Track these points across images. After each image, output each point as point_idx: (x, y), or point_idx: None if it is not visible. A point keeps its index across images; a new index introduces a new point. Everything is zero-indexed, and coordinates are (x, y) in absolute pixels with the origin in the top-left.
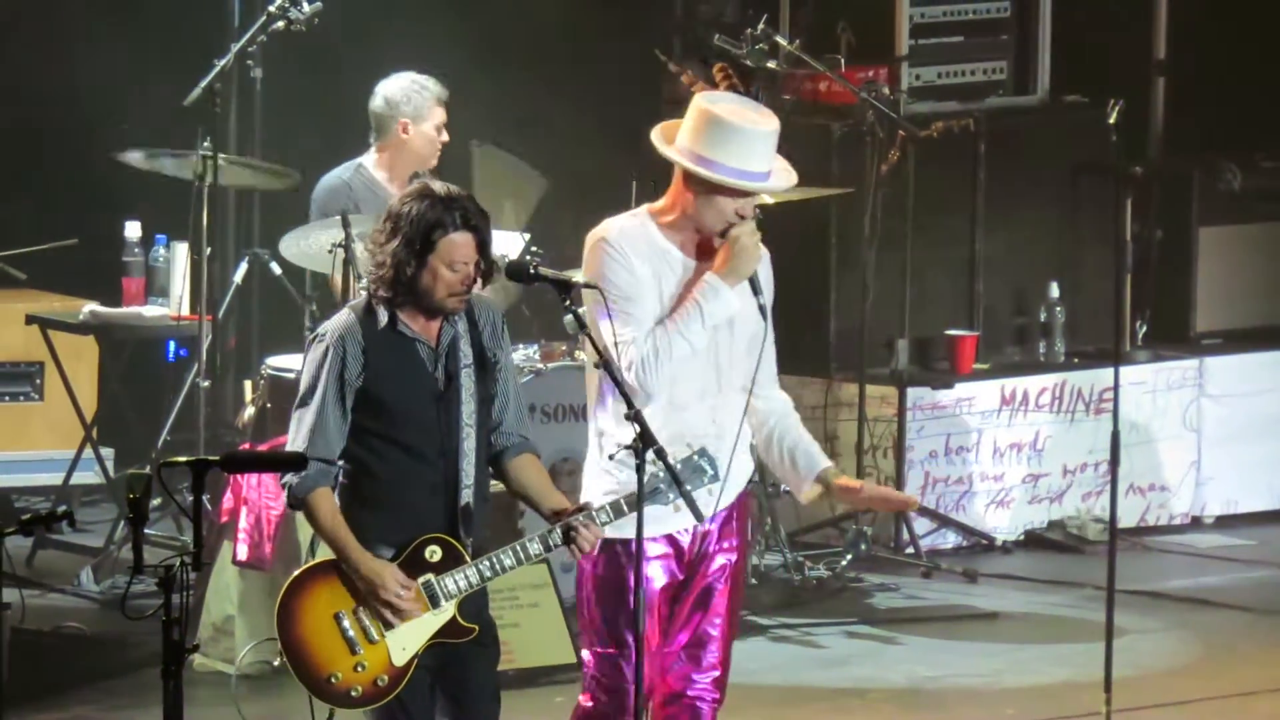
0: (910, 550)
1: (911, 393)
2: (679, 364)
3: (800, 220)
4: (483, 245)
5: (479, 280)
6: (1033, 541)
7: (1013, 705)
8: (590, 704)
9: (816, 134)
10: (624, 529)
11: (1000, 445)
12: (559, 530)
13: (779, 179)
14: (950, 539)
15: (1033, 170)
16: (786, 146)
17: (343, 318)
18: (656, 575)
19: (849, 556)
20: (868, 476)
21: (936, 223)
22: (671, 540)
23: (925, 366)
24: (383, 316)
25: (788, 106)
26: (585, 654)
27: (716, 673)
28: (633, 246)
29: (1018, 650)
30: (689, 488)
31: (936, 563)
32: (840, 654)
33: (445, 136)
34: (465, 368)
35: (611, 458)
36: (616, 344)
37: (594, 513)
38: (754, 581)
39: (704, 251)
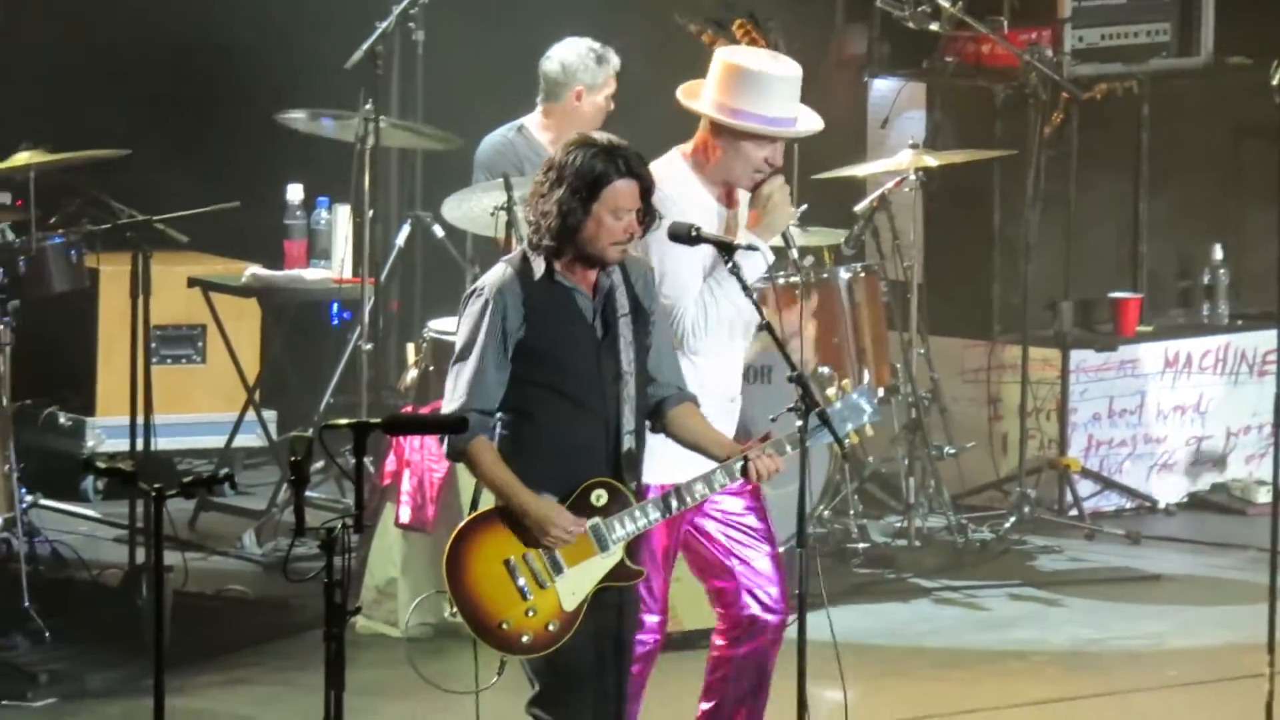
0: (1073, 512)
1: (1075, 355)
2: (724, 324)
3: (964, 183)
4: (645, 193)
5: (641, 229)
6: (1196, 504)
7: (1175, 667)
8: None
9: (979, 97)
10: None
11: (1164, 407)
12: (738, 461)
13: (804, 124)
14: (1113, 501)
15: (1196, 132)
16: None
17: (499, 271)
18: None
19: (1012, 519)
20: (1031, 438)
21: (1099, 185)
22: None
23: (1088, 329)
24: (539, 268)
25: (951, 69)
26: None
27: (777, 575)
28: (686, 202)
29: (1180, 613)
30: (850, 426)
31: (1100, 525)
32: (1003, 616)
33: (612, 106)
34: (623, 316)
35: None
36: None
37: (776, 443)
38: (917, 544)
39: (731, 200)
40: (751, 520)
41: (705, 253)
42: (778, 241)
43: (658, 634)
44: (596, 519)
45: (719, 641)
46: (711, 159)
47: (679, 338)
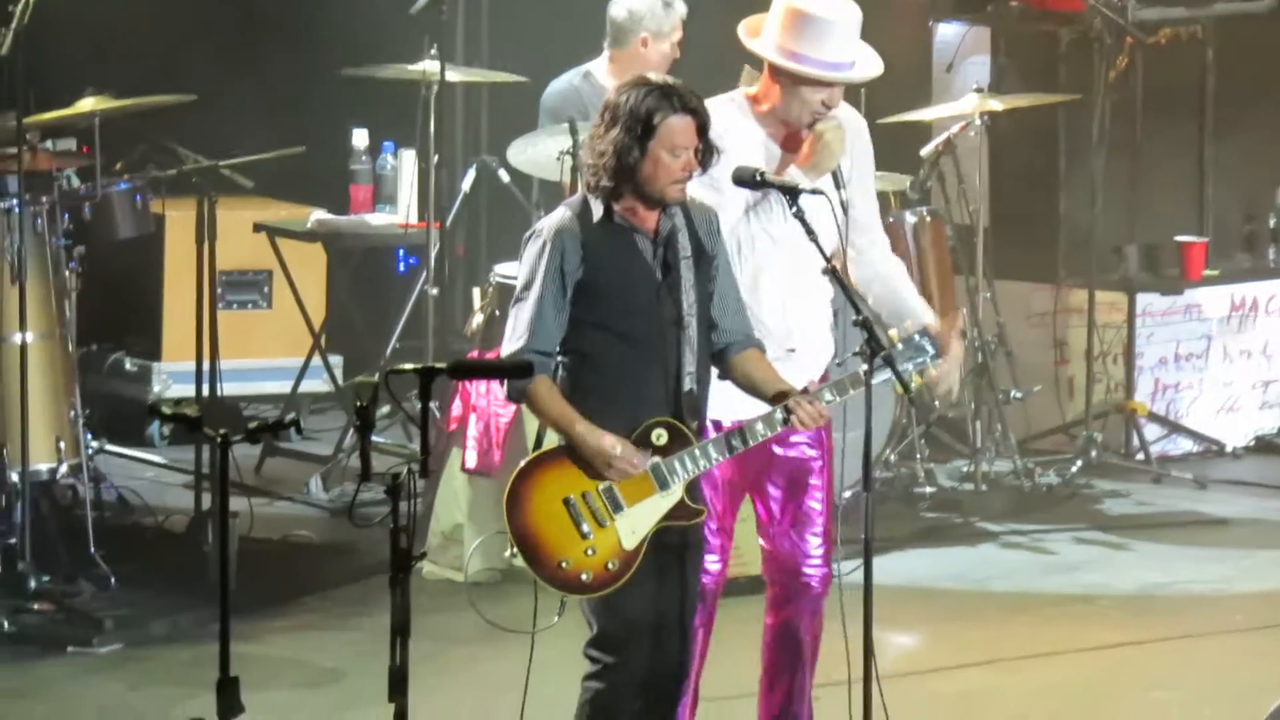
0: (1140, 456)
1: (1141, 299)
2: (760, 257)
3: (1028, 127)
4: (702, 129)
5: (700, 166)
6: (1263, 447)
7: (1242, 612)
8: None
9: (1044, 41)
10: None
11: (1230, 351)
12: (780, 410)
13: (863, 68)
14: (1180, 445)
15: (1262, 76)
16: (1015, 54)
17: (558, 213)
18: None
19: (1079, 463)
20: (1098, 383)
21: (1165, 129)
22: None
23: (1154, 273)
24: (598, 210)
25: (1015, 13)
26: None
27: (823, 548)
28: (733, 136)
29: (1248, 557)
30: (909, 365)
31: (1167, 469)
32: (1070, 560)
33: (679, 54)
34: (684, 259)
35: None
36: None
37: (818, 392)
38: (984, 488)
39: (791, 143)
40: (801, 479)
41: (744, 191)
42: (829, 181)
43: (719, 560)
44: (656, 458)
45: (767, 604)
46: (770, 100)
47: None
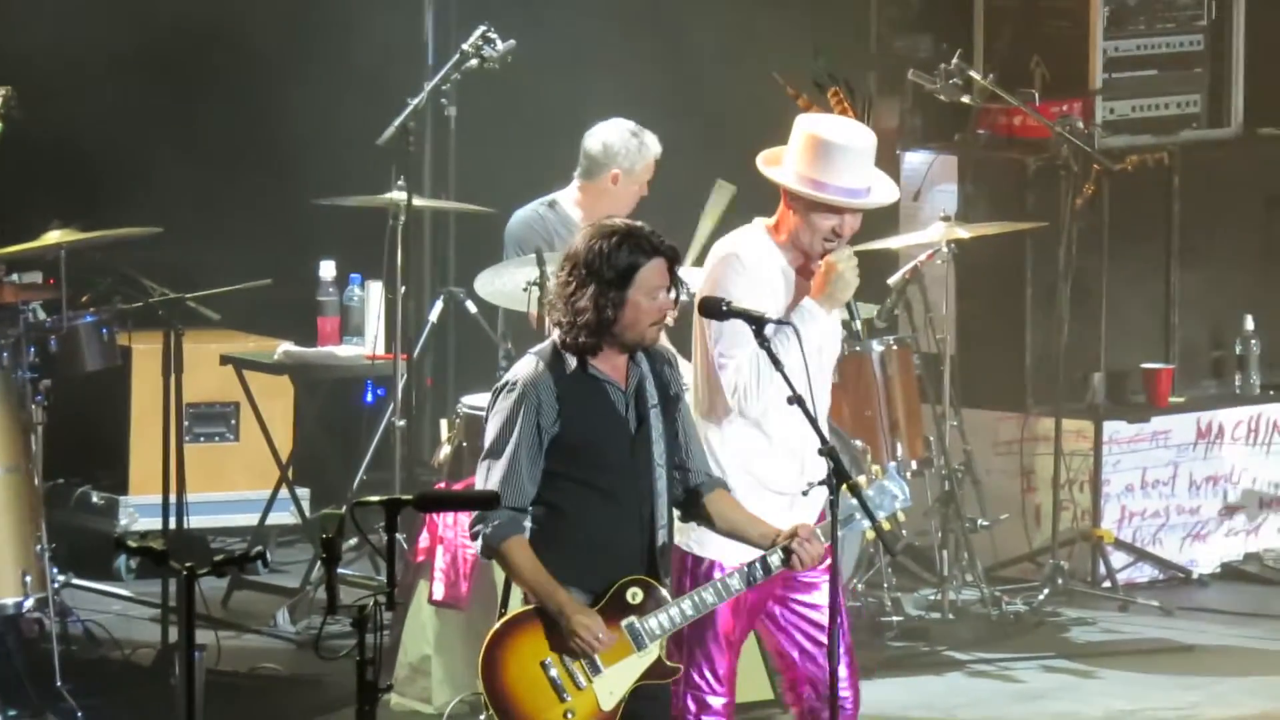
0: (1107, 584)
1: (1107, 426)
2: (777, 388)
3: (995, 254)
4: (672, 267)
5: (674, 304)
6: (1229, 574)
7: None
8: None
9: (1011, 168)
10: (714, 551)
11: (1196, 478)
12: (779, 552)
13: (878, 194)
14: (1147, 572)
15: (1228, 203)
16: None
17: (530, 365)
18: (741, 600)
19: (1046, 591)
20: (1065, 510)
21: (1131, 256)
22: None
23: (1121, 400)
24: (571, 362)
25: (982, 141)
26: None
27: (844, 684)
28: (760, 269)
29: (1215, 683)
30: (883, 513)
31: (1133, 596)
32: (1038, 688)
33: (647, 192)
34: (653, 407)
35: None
36: (720, 363)
37: (816, 531)
38: (951, 616)
39: (806, 271)
40: (818, 613)
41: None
42: (842, 313)
43: (725, 716)
44: (632, 618)
45: None
46: (787, 228)
47: (729, 399)
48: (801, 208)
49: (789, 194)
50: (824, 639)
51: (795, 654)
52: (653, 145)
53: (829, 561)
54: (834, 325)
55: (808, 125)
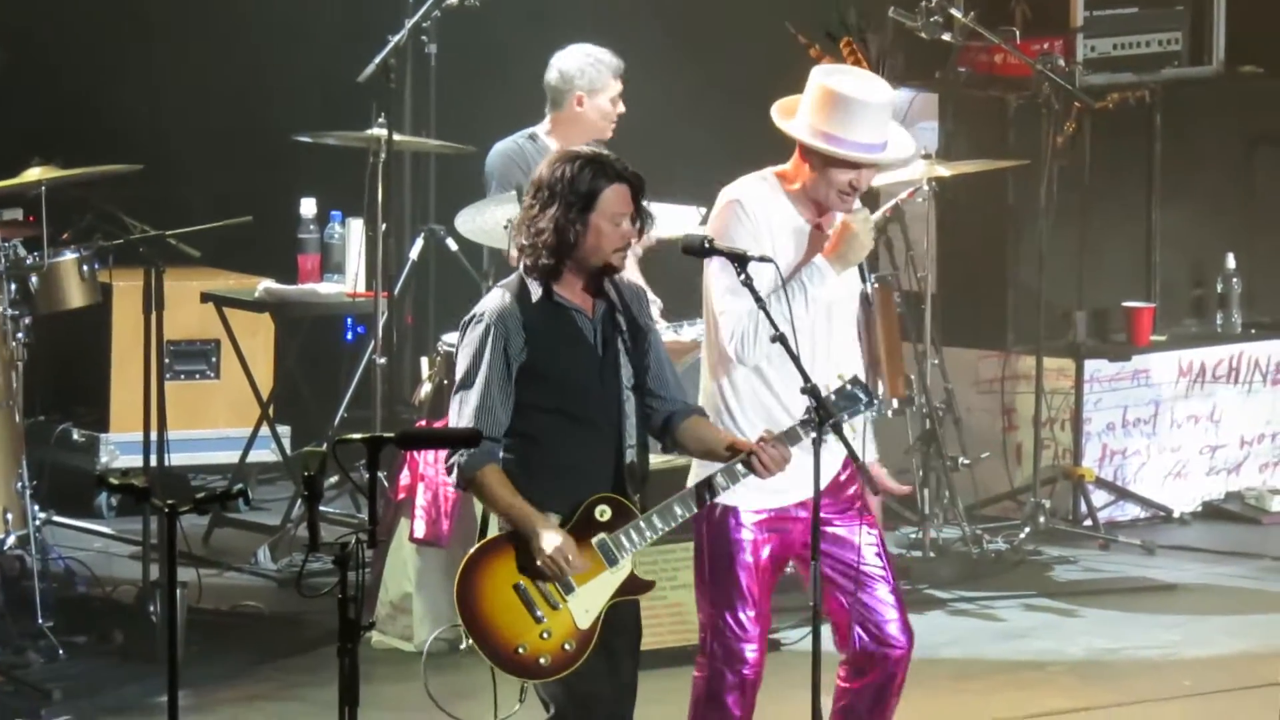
0: (1088, 523)
1: (1089, 365)
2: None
3: (976, 193)
4: (636, 194)
5: (637, 232)
6: (1210, 513)
7: (1190, 676)
8: (702, 675)
9: (992, 107)
10: (732, 498)
11: (1177, 417)
12: (739, 462)
13: (894, 150)
14: (1128, 511)
15: (1209, 141)
16: (963, 120)
17: (497, 297)
18: (762, 546)
19: (1027, 529)
20: (1046, 449)
21: (1112, 194)
22: (782, 516)
23: (1102, 339)
24: (536, 290)
25: (963, 79)
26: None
27: (894, 625)
28: (764, 215)
29: (1195, 622)
30: (846, 415)
31: (1114, 535)
32: (1019, 627)
33: (621, 108)
34: (621, 334)
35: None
36: (720, 311)
37: (776, 437)
38: (932, 555)
39: (823, 221)
40: (860, 552)
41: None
42: (854, 272)
43: (756, 664)
44: (602, 534)
45: (840, 672)
46: (800, 178)
47: (727, 346)
48: (817, 161)
49: (804, 147)
50: (875, 577)
51: (841, 595)
52: (610, 61)
53: (858, 506)
54: (848, 281)
55: (824, 78)
